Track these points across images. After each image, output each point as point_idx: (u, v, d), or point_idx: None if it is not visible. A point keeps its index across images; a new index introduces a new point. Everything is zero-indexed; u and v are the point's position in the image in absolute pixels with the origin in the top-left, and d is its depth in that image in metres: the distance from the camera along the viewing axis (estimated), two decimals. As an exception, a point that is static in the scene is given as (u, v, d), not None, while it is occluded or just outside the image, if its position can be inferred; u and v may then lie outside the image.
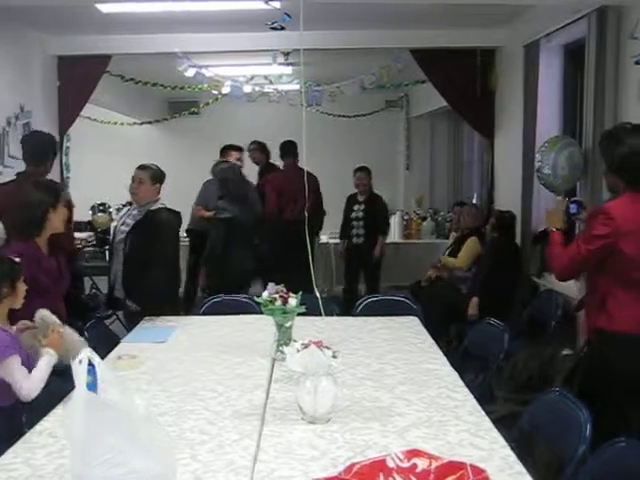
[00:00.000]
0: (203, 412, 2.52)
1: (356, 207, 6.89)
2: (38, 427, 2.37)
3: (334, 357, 2.36)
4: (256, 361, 3.11)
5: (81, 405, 1.72)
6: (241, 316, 4.00)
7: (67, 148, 6.62)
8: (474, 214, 6.18)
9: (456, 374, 2.90)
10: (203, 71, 6.54)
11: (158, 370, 3.05)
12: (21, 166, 5.49)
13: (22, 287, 2.79)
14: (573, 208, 3.63)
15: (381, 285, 7.60)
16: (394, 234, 8.32)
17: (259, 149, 7.27)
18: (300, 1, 3.64)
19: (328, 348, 2.38)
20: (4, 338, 2.63)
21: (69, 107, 6.29)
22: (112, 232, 4.85)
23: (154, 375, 2.97)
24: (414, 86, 8.44)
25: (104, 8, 4.95)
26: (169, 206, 4.29)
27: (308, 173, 4.20)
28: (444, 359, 3.13)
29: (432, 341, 3.47)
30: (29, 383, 2.57)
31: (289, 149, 6.71)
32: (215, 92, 8.01)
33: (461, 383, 2.77)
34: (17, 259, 2.83)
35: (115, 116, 9.12)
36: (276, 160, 7.13)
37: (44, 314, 2.84)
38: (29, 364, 2.63)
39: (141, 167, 4.36)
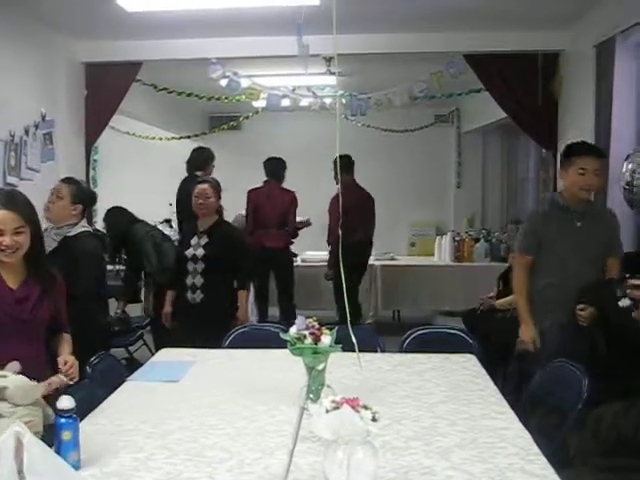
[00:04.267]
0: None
1: None
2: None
3: (374, 420, 1.81)
4: (281, 410, 2.57)
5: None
6: (270, 351, 3.47)
7: (94, 161, 6.23)
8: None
9: (528, 435, 2.31)
10: (240, 80, 6.12)
11: (164, 419, 2.52)
12: (38, 178, 5.14)
13: None
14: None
15: (430, 310, 7.11)
16: (444, 256, 7.76)
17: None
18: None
19: (366, 408, 1.82)
20: None
21: (96, 117, 5.91)
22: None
23: (157, 426, 2.44)
24: (465, 99, 7.92)
25: (127, 5, 4.54)
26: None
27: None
28: (511, 413, 2.54)
29: (494, 387, 2.88)
30: None
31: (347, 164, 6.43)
32: (254, 104, 7.61)
33: (536, 450, 2.18)
34: None
35: (153, 130, 8.78)
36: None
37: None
38: None
39: (65, 180, 3.91)
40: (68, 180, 3.92)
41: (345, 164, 6.46)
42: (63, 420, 1.96)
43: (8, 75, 4.82)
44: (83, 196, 3.78)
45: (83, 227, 3.74)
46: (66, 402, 1.97)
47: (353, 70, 6.66)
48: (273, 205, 6.50)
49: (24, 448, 1.39)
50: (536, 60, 5.66)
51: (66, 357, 2.66)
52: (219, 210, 4.59)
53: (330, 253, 6.53)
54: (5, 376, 2.00)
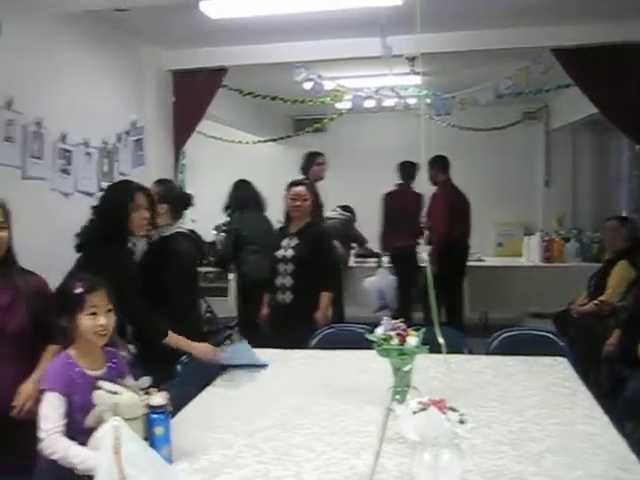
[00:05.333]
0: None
1: None
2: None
3: (461, 423, 1.78)
4: (366, 411, 2.57)
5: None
6: (356, 352, 3.47)
7: (183, 166, 6.39)
8: (624, 233, 5.32)
9: (624, 443, 2.22)
10: (324, 83, 6.15)
11: (251, 417, 2.57)
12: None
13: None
14: None
15: (519, 312, 6.97)
16: (533, 256, 7.57)
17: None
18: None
19: (453, 410, 1.80)
20: (57, 369, 2.23)
21: (184, 123, 6.04)
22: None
23: (245, 424, 2.49)
24: (554, 95, 7.67)
25: (211, 13, 4.64)
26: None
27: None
28: (605, 419, 2.46)
29: (587, 392, 2.79)
30: (50, 438, 2.07)
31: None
32: (338, 106, 7.63)
33: (633, 457, 2.10)
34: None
35: (237, 134, 8.92)
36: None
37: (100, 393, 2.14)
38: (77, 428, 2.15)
39: (157, 181, 4.12)
40: (159, 181, 4.08)
41: (442, 164, 6.49)
42: (156, 416, 2.02)
43: (100, 85, 5.02)
44: (169, 196, 3.85)
45: (178, 228, 3.85)
46: (159, 399, 2.04)
47: (437, 69, 6.58)
48: (405, 206, 6.76)
49: (122, 442, 1.44)
50: (628, 52, 5.43)
51: (22, 388, 2.42)
52: (317, 211, 4.62)
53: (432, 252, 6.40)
54: (118, 393, 2.06)
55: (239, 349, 3.36)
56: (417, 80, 6.64)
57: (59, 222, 4.02)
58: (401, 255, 6.74)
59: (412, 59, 5.87)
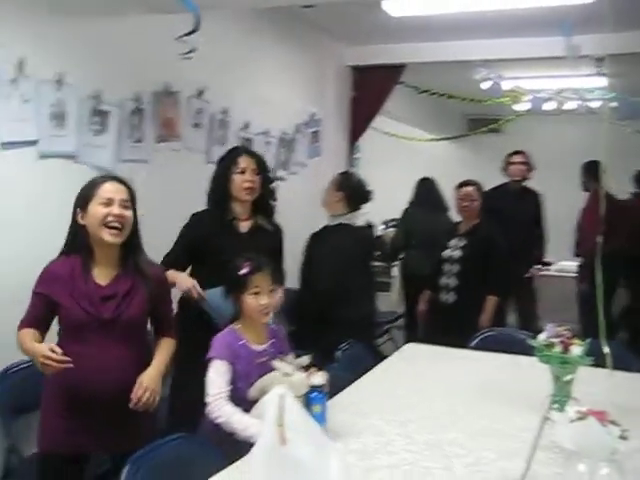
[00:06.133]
0: (443, 473, 2.02)
1: None
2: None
3: (622, 438, 1.71)
4: (522, 417, 2.51)
5: (264, 458, 1.35)
6: (516, 357, 3.41)
7: (356, 159, 6.52)
8: None
9: None
10: (502, 83, 6.03)
11: (404, 409, 2.61)
12: (304, 173, 5.53)
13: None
14: None
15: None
16: None
17: None
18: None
19: (614, 424, 1.74)
20: (224, 340, 2.39)
21: (361, 118, 6.18)
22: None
23: (398, 414, 2.54)
24: None
25: (392, 11, 4.70)
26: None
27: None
28: None
29: None
30: (216, 402, 2.23)
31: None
32: (516, 108, 7.44)
33: None
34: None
35: (410, 131, 8.94)
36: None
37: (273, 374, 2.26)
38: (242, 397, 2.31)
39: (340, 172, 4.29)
40: (342, 172, 4.29)
41: (595, 170, 6.07)
42: (315, 394, 2.12)
43: (283, 78, 5.26)
44: (345, 186, 3.95)
45: (347, 220, 3.92)
46: (319, 378, 2.14)
47: (625, 71, 6.23)
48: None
49: (286, 407, 1.54)
50: None
51: (143, 378, 2.37)
52: (481, 212, 4.55)
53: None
54: (289, 373, 2.19)
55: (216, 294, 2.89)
56: (602, 82, 6.33)
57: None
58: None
59: (600, 60, 5.60)
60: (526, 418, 2.48)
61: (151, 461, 2.05)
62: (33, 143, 3.08)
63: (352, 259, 3.85)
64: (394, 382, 3.03)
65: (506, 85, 6.15)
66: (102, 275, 2.40)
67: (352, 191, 3.96)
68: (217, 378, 2.27)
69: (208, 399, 2.24)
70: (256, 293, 2.41)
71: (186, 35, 2.88)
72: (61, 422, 2.36)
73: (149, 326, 2.56)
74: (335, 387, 2.68)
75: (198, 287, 2.97)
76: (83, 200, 2.38)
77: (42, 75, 3.11)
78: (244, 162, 3.11)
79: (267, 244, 3.03)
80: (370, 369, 3.17)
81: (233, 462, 2.01)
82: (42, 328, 2.38)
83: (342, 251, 3.84)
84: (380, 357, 3.47)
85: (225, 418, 2.18)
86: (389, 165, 8.63)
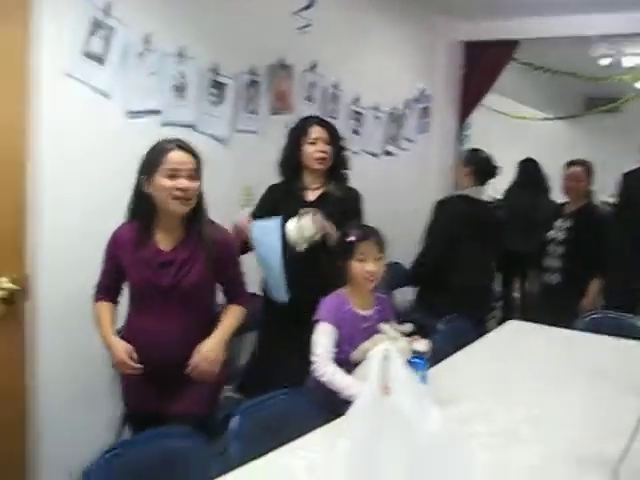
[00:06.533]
0: (537, 446, 2.04)
1: None
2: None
3: None
4: (623, 400, 2.49)
5: (367, 407, 1.43)
6: (624, 340, 3.35)
7: (465, 137, 6.46)
8: None
9: None
10: (622, 59, 5.80)
11: (506, 382, 2.64)
12: (413, 148, 5.55)
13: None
14: None
15: None
16: None
17: None
18: None
19: None
20: (331, 304, 2.49)
21: (471, 95, 6.09)
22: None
23: (498, 384, 2.58)
24: None
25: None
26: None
27: None
28: None
29: None
30: (321, 361, 2.34)
31: None
32: (638, 86, 7.16)
33: None
34: None
35: (521, 109, 8.74)
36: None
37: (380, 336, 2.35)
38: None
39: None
40: (471, 149, 4.37)
41: None
42: (417, 360, 2.19)
43: (393, 53, 5.27)
44: (473, 161, 4.07)
45: (471, 193, 4.00)
46: (423, 345, 2.21)
47: None
48: None
49: (391, 361, 1.62)
50: None
51: (202, 346, 2.41)
52: (589, 193, 4.45)
53: None
54: (395, 338, 2.27)
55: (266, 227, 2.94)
56: None
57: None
58: None
59: None
60: (628, 402, 2.46)
61: (258, 413, 2.20)
62: (157, 112, 3.26)
63: (470, 229, 3.91)
64: (495, 356, 3.06)
65: (627, 62, 5.90)
66: (166, 241, 2.40)
67: (479, 166, 4.04)
68: (323, 339, 2.37)
69: (313, 358, 2.35)
70: (361, 260, 2.49)
71: (302, 10, 2.95)
72: (133, 382, 2.45)
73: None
74: (434, 358, 2.74)
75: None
76: (148, 168, 2.34)
77: (166, 49, 3.27)
78: (316, 132, 3.07)
79: (335, 210, 2.97)
80: (471, 343, 3.21)
81: (334, 419, 2.12)
82: (114, 296, 2.52)
83: (461, 220, 3.93)
84: (482, 332, 3.49)
85: (328, 377, 2.29)
86: (498, 143, 8.45)
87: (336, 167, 3.12)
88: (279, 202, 3.08)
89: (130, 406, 2.58)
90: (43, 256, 2.78)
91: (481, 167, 4.04)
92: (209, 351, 2.40)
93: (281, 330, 3.04)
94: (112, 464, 1.82)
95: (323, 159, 3.05)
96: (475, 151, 4.21)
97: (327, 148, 3.06)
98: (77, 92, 2.90)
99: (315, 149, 3.04)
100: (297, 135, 3.10)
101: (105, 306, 2.49)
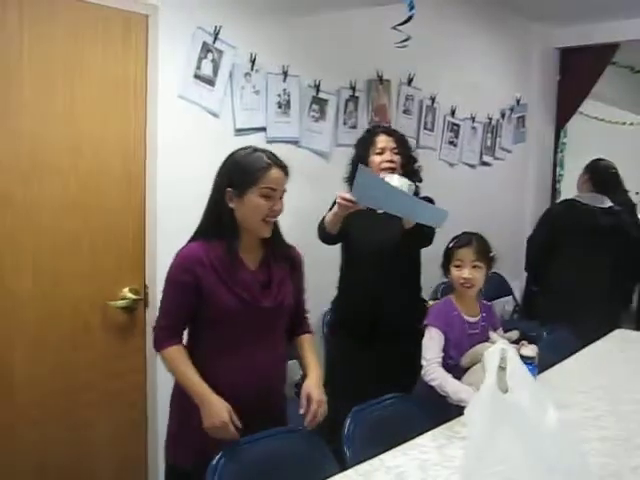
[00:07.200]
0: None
1: None
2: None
3: None
4: None
5: (486, 400, 1.48)
6: None
7: (563, 144, 6.35)
8: None
9: None
10: None
11: (615, 386, 2.63)
12: (509, 158, 5.51)
13: None
14: None
15: None
16: None
17: None
18: None
19: None
20: (440, 310, 2.55)
21: (568, 101, 6.00)
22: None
23: (609, 391, 2.57)
24: None
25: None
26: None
27: None
28: None
29: None
30: (431, 366, 2.40)
31: None
32: None
33: None
34: None
35: (619, 114, 8.45)
36: None
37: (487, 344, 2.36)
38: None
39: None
40: (595, 158, 4.35)
41: None
42: (526, 366, 2.20)
43: (487, 63, 5.26)
44: (590, 169, 4.18)
45: (586, 200, 4.06)
46: (530, 350, 2.25)
47: None
48: None
49: (508, 358, 1.67)
50: None
51: (311, 390, 2.12)
52: None
53: None
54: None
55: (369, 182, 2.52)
56: None
57: (444, 190, 4.32)
58: None
59: None
60: None
61: (369, 416, 2.27)
62: (262, 129, 3.42)
63: (573, 235, 3.96)
64: (603, 364, 3.02)
65: None
66: (249, 261, 2.15)
67: (595, 174, 4.13)
68: (432, 344, 2.44)
69: (423, 362, 2.42)
70: (458, 266, 2.55)
71: (401, 24, 3.02)
72: (195, 435, 2.06)
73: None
74: (539, 366, 2.74)
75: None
76: (241, 182, 2.08)
77: (270, 68, 3.43)
78: (382, 142, 2.97)
79: (400, 221, 2.72)
80: (575, 351, 3.18)
81: (443, 423, 2.17)
82: (181, 338, 2.13)
83: (560, 226, 4.03)
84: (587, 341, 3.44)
85: (439, 381, 2.35)
86: (596, 150, 8.25)
87: (407, 177, 2.84)
88: (350, 214, 2.74)
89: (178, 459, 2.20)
90: (160, 268, 2.95)
91: (598, 175, 4.11)
92: (320, 393, 2.14)
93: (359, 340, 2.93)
94: (234, 461, 1.92)
95: (391, 169, 2.91)
96: (597, 160, 4.25)
97: (395, 157, 2.96)
98: (189, 112, 3.09)
99: (382, 159, 2.95)
100: (364, 146, 3.03)
101: (182, 352, 2.09)
